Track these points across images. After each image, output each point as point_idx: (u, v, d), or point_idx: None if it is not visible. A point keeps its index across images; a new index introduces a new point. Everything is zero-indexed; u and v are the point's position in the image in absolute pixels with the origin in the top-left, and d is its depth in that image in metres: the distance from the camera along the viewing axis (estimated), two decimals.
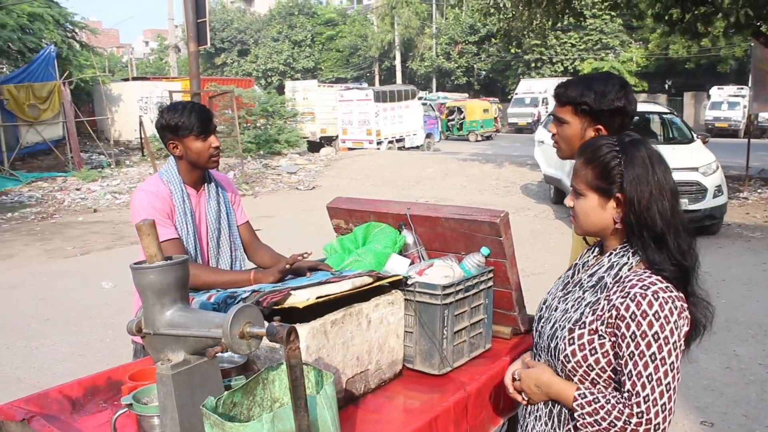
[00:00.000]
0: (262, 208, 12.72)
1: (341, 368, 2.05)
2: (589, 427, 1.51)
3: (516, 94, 36.00)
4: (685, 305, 1.51)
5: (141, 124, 17.43)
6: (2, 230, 11.12)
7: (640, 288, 1.47)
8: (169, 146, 2.54)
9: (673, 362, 1.45)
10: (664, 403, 1.44)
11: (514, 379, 1.78)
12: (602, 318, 1.52)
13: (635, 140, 1.59)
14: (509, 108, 35.83)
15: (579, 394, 1.55)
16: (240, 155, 17.45)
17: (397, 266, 2.53)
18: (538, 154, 12.56)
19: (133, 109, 22.23)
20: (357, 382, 2.14)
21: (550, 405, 1.66)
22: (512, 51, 35.17)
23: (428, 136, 26.02)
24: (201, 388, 1.64)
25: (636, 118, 11.37)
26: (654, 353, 1.44)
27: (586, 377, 1.56)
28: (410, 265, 2.57)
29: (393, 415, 2.01)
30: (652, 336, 1.44)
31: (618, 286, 1.52)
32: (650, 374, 1.43)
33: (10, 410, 2.01)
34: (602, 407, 1.49)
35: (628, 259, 1.57)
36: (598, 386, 1.55)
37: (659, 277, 1.50)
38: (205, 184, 2.66)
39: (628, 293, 1.48)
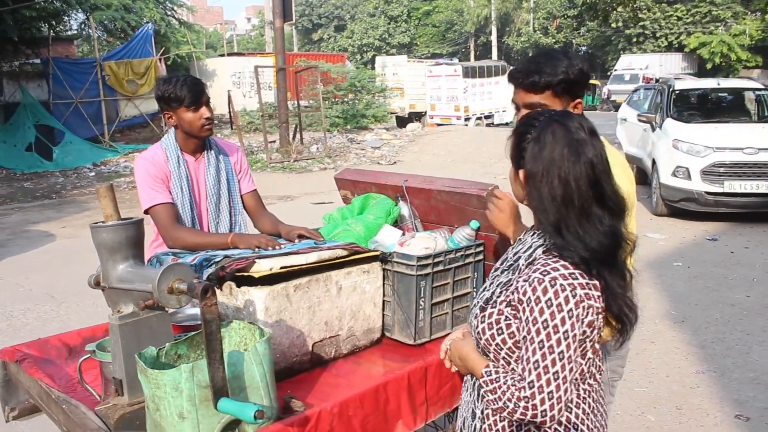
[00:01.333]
0: (328, 183, 12.90)
1: (307, 332, 2.13)
2: (491, 404, 1.51)
3: (615, 70, 34.60)
4: (593, 294, 1.45)
5: (229, 98, 18.06)
6: (95, 197, 11.89)
7: (540, 273, 1.44)
8: (165, 116, 2.69)
9: (562, 352, 1.40)
10: (551, 392, 1.40)
11: (449, 349, 1.80)
12: (508, 300, 1.51)
13: (558, 116, 1.52)
14: (608, 85, 34.48)
15: (486, 371, 1.54)
16: (324, 129, 17.76)
17: (387, 237, 2.57)
18: (620, 132, 12.10)
19: (227, 84, 23.11)
20: (326, 347, 2.21)
21: (474, 378, 1.67)
22: (613, 26, 33.77)
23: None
24: (149, 339, 1.75)
25: (728, 96, 10.75)
26: (542, 340, 1.41)
27: (498, 356, 1.55)
28: (402, 236, 2.60)
29: (350, 380, 2.07)
30: (542, 323, 1.41)
31: (528, 269, 1.50)
32: (537, 361, 1.41)
33: (12, 352, 2.22)
34: (500, 387, 1.48)
35: (544, 240, 1.54)
36: (511, 366, 1.54)
37: (566, 263, 1.45)
38: (205, 152, 2.78)
39: (529, 277, 1.46)
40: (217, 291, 2.11)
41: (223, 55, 27.87)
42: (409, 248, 2.40)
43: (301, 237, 2.53)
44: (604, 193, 1.47)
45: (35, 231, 9.18)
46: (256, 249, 2.34)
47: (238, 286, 2.04)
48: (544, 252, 1.51)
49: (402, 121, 24.97)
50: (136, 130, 18.52)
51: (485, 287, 1.65)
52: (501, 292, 1.55)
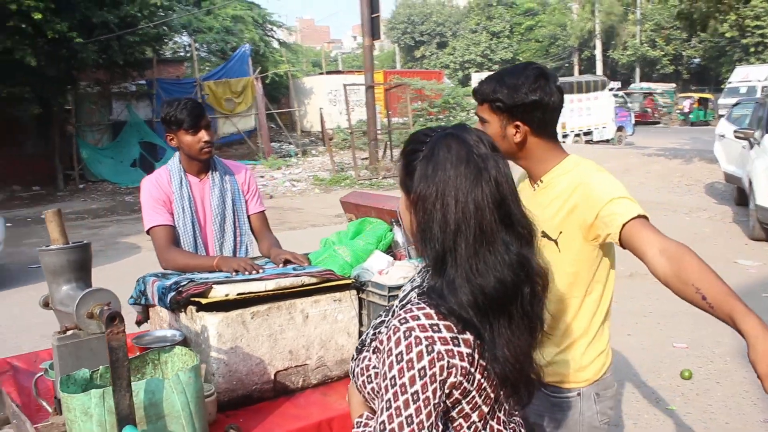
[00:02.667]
0: None
1: (268, 360, 2.09)
2: None
3: (729, 83, 32.58)
4: (460, 351, 1.22)
5: (321, 116, 18.48)
6: None
7: (399, 321, 1.23)
8: (167, 138, 2.75)
9: (411, 416, 1.18)
10: None
11: None
12: (374, 346, 1.36)
13: (452, 133, 1.30)
14: (720, 98, 32.53)
15: (357, 422, 1.41)
16: None
17: (376, 264, 2.50)
18: (718, 149, 11.34)
19: (323, 101, 23.70)
20: (292, 376, 2.17)
21: None
22: (728, 35, 31.89)
23: (619, 129, 24.54)
24: (89, 361, 1.78)
25: None
26: (389, 400, 1.20)
27: (373, 403, 1.38)
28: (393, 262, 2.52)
29: (309, 412, 2.01)
30: (390, 380, 1.21)
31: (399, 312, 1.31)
32: (383, 422, 1.21)
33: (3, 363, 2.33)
34: None
35: (424, 280, 1.33)
36: None
37: (430, 312, 1.23)
38: (210, 173, 2.81)
39: (390, 323, 1.26)
40: (182, 315, 2.14)
41: (322, 74, 28.59)
42: (387, 277, 2.32)
43: (287, 262, 2.51)
44: (512, 217, 1.27)
45: (124, 243, 9.72)
46: (234, 273, 2.34)
47: (198, 311, 2.04)
48: (419, 295, 1.30)
49: None
50: (233, 146, 19.29)
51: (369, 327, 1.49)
52: (374, 336, 1.40)
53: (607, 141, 23.40)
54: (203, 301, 1.98)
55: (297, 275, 2.18)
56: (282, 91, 24.76)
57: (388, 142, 17.58)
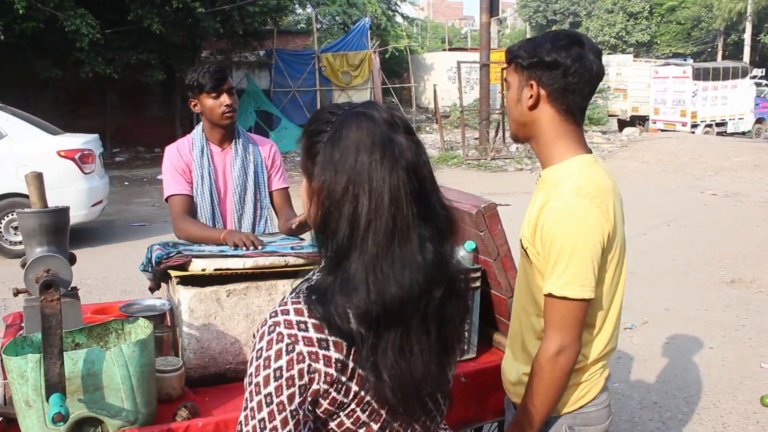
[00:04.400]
0: (519, 184, 12.58)
1: (244, 340, 2.06)
2: None
3: None
4: (326, 356, 1.08)
5: (435, 93, 18.31)
6: (296, 182, 12.81)
7: (271, 315, 1.12)
8: (191, 103, 2.76)
9: (264, 420, 1.07)
10: None
11: None
12: None
13: (362, 112, 1.14)
14: None
15: None
16: None
17: None
18: None
19: (443, 78, 23.47)
20: None
21: None
22: None
23: (759, 121, 22.61)
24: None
25: None
26: (247, 398, 1.10)
27: None
28: None
29: None
30: (248, 377, 1.10)
31: None
32: (241, 422, 1.10)
33: (13, 317, 2.45)
34: None
35: (321, 273, 1.18)
36: None
37: (301, 308, 1.11)
38: (233, 143, 2.80)
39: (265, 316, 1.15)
40: (168, 286, 2.16)
41: (445, 50, 28.29)
42: None
43: (299, 229, 2.52)
44: (429, 207, 1.12)
45: None
46: (235, 247, 2.32)
47: (178, 284, 2.04)
48: (307, 288, 1.15)
49: (624, 125, 23.44)
50: None
51: None
52: None
53: (743, 134, 21.64)
54: (173, 273, 1.98)
55: (284, 254, 2.12)
56: (404, 66, 24.73)
57: (501, 123, 17.12)
